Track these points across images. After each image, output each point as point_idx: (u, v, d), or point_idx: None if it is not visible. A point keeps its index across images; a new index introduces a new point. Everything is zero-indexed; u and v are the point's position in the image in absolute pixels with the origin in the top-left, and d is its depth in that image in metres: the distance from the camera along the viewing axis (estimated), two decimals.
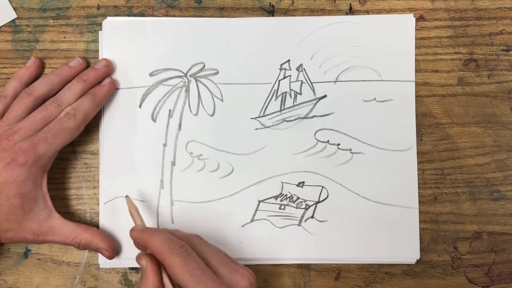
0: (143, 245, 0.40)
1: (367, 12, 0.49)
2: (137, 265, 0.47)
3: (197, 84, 0.48)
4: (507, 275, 0.47)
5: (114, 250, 0.45)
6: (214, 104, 0.48)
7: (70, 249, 0.47)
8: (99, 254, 0.47)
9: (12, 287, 0.47)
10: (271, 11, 0.49)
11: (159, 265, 0.40)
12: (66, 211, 0.48)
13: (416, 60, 0.48)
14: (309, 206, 0.47)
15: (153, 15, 0.49)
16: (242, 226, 0.47)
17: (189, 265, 0.37)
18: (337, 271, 0.48)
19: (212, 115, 0.48)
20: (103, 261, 0.47)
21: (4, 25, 0.49)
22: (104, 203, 0.47)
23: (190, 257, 0.37)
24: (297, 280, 0.48)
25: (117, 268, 0.47)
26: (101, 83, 0.46)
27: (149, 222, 0.47)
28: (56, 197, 0.47)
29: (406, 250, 0.47)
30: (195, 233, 0.42)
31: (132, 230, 0.41)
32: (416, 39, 0.48)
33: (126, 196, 0.46)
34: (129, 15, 0.49)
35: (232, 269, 0.38)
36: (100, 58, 0.48)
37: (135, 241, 0.41)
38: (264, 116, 0.48)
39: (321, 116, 0.48)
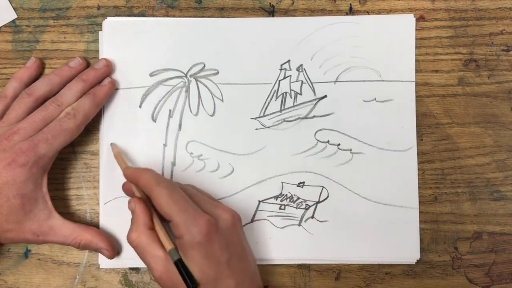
0: (134, 181, 0.42)
1: (367, 12, 0.49)
2: (137, 266, 0.47)
3: (197, 84, 0.48)
4: (508, 275, 0.47)
5: (115, 249, 0.45)
6: (214, 104, 0.48)
7: (70, 249, 0.47)
8: (99, 254, 0.47)
9: (12, 287, 0.47)
10: (271, 11, 0.49)
11: (149, 208, 0.42)
12: (66, 211, 0.48)
13: (416, 60, 0.48)
14: (309, 206, 0.47)
15: (153, 15, 0.49)
16: (242, 226, 0.47)
17: (174, 195, 0.40)
18: (337, 271, 0.48)
19: (212, 115, 0.48)
20: (103, 262, 0.47)
21: (4, 26, 0.49)
22: (104, 203, 0.47)
23: (175, 190, 0.40)
24: (297, 280, 0.48)
25: (117, 269, 0.47)
26: (101, 83, 0.46)
27: None
28: (56, 197, 0.47)
29: (406, 250, 0.47)
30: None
31: (125, 169, 0.44)
32: (416, 39, 0.48)
33: (111, 143, 0.47)
34: (129, 15, 0.49)
35: (215, 205, 0.42)
36: (100, 58, 0.47)
37: (128, 177, 0.43)
38: (264, 116, 0.48)
39: (321, 116, 0.48)
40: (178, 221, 0.39)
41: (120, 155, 0.46)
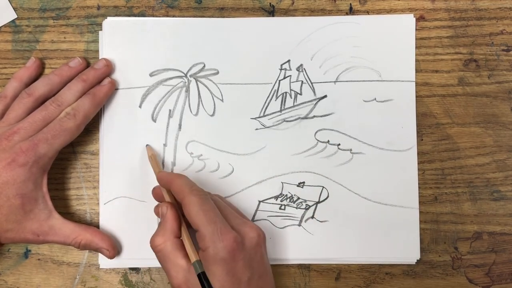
0: (167, 185, 0.42)
1: (367, 12, 0.49)
2: (137, 266, 0.47)
3: (197, 84, 0.48)
4: (508, 275, 0.47)
5: (115, 249, 0.45)
6: (214, 104, 0.48)
7: (70, 249, 0.47)
8: (99, 255, 0.47)
9: (12, 287, 0.47)
10: (271, 11, 0.49)
11: (179, 215, 0.42)
12: (66, 211, 0.48)
13: (416, 60, 0.48)
14: (309, 206, 0.47)
15: (153, 15, 0.49)
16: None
17: (205, 206, 0.40)
18: (337, 271, 0.48)
19: (212, 115, 0.48)
20: (103, 262, 0.47)
21: (4, 25, 0.49)
22: (104, 204, 0.47)
23: (207, 200, 0.40)
24: (297, 280, 0.48)
25: (117, 269, 0.47)
26: (101, 83, 0.46)
27: (150, 222, 0.47)
28: (56, 197, 0.47)
29: (406, 250, 0.47)
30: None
31: (159, 173, 0.44)
32: (416, 39, 0.48)
33: (147, 145, 0.47)
34: (129, 15, 0.49)
35: (242, 221, 0.42)
36: (100, 58, 0.47)
37: (161, 181, 0.43)
38: (264, 116, 0.48)
39: (321, 116, 0.48)
40: (205, 233, 0.39)
41: (154, 158, 0.46)
